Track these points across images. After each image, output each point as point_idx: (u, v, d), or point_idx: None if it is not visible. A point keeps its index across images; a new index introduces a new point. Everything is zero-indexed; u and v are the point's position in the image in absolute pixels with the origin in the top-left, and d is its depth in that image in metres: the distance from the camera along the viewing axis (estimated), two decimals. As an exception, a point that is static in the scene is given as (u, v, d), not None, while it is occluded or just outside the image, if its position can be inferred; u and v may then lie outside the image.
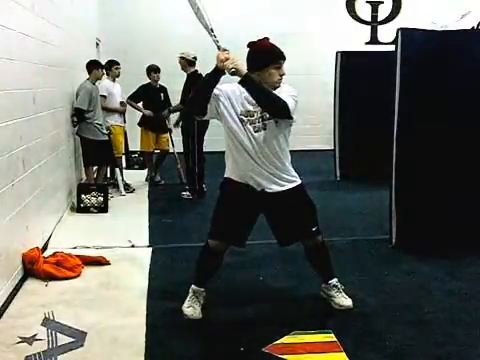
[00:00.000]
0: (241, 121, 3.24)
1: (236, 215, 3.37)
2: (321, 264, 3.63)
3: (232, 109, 3.24)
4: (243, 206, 3.36)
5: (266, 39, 3.31)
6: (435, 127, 4.53)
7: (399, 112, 4.60)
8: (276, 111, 3.18)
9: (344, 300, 3.55)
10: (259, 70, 3.20)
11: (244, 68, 3.10)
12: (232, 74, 3.09)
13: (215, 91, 3.20)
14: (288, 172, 3.37)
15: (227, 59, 3.06)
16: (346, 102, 7.92)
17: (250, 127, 3.23)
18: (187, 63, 6.84)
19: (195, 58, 6.80)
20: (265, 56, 3.22)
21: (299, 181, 3.43)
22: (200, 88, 3.27)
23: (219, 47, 3.12)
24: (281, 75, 3.24)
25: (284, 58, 3.25)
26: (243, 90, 3.20)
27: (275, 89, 3.22)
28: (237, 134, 3.24)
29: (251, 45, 3.29)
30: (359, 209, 6.28)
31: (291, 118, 3.21)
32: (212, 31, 3.15)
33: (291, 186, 3.36)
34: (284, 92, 3.21)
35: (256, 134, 3.23)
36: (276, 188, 3.31)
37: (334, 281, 3.60)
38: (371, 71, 7.15)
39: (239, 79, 3.11)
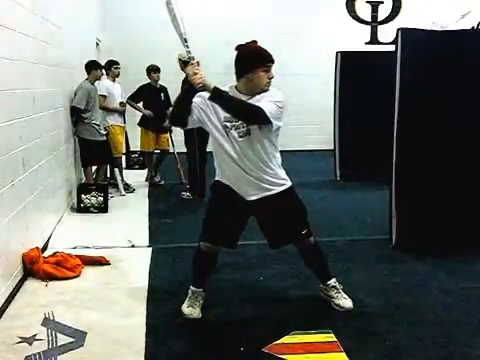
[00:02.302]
0: (225, 128, 3.20)
1: (226, 218, 3.34)
2: (316, 265, 3.62)
3: (215, 116, 3.20)
4: (233, 209, 3.33)
5: (254, 42, 3.26)
6: (435, 127, 4.53)
7: (399, 112, 4.60)
8: (251, 120, 3.14)
9: (344, 301, 3.53)
10: (247, 73, 3.16)
11: (211, 83, 3.03)
12: (201, 90, 3.06)
13: (196, 100, 3.17)
14: (276, 176, 3.31)
15: (195, 74, 3.02)
16: (346, 102, 7.92)
17: (234, 133, 3.19)
18: (183, 64, 6.82)
19: (191, 59, 6.75)
20: (253, 59, 3.17)
21: (289, 184, 3.38)
22: (178, 101, 3.25)
23: (191, 58, 3.08)
24: (270, 78, 3.20)
25: (273, 61, 3.20)
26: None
27: (263, 92, 3.18)
28: (221, 142, 3.22)
29: (239, 48, 3.24)
30: (359, 209, 6.27)
31: (270, 123, 3.11)
32: (186, 41, 3.11)
33: (280, 189, 3.31)
34: (266, 97, 3.14)
35: (240, 139, 3.18)
36: (264, 193, 3.28)
37: (332, 282, 3.58)
38: (371, 71, 7.16)
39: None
